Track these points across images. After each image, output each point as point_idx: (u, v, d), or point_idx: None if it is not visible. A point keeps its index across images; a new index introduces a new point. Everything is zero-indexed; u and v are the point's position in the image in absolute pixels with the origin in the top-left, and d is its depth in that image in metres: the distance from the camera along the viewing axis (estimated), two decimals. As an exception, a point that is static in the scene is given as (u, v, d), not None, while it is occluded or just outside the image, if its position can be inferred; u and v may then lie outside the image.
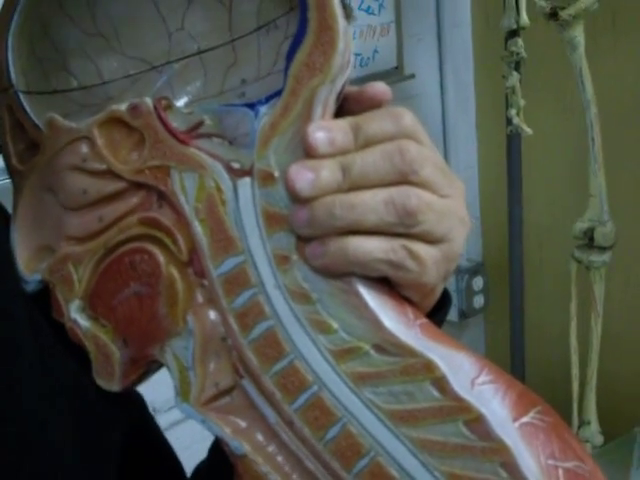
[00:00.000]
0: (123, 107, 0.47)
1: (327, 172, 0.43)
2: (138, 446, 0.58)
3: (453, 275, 2.03)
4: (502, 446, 0.42)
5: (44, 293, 0.50)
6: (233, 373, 0.46)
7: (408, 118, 0.45)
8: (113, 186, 0.47)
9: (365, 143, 0.44)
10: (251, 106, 0.45)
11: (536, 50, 1.78)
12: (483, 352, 2.30)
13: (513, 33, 1.69)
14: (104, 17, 0.50)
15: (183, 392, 0.46)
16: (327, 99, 0.44)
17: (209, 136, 0.46)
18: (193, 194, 0.46)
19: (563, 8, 1.59)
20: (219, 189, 0.45)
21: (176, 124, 0.46)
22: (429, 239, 0.44)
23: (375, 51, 1.86)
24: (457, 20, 2.06)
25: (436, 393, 0.43)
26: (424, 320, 0.45)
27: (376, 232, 0.43)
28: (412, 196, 0.43)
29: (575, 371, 1.80)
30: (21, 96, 0.49)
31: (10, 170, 0.50)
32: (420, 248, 0.43)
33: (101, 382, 0.48)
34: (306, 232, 0.44)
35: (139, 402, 0.61)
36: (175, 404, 0.46)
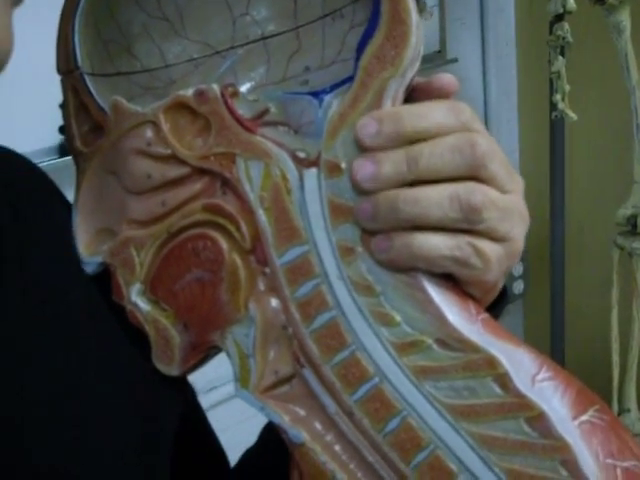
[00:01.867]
0: (189, 93, 0.47)
1: (390, 165, 0.43)
2: (187, 432, 0.58)
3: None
4: (563, 444, 0.42)
5: (103, 276, 0.50)
6: (293, 361, 0.46)
7: (469, 111, 0.44)
8: (177, 171, 0.47)
9: (427, 133, 0.43)
10: (315, 95, 0.45)
11: (581, 35, 1.76)
12: (522, 338, 2.30)
13: (559, 17, 1.68)
14: (169, 1, 0.50)
15: (242, 379, 0.46)
16: (397, 92, 0.44)
17: (274, 124, 0.46)
18: (258, 182, 0.46)
19: (610, -7, 1.57)
20: (285, 178, 0.45)
21: (242, 111, 0.46)
22: (493, 236, 0.44)
23: (418, 35, 1.85)
24: (501, 4, 2.05)
25: (498, 390, 0.43)
26: (485, 315, 0.45)
27: (440, 227, 0.43)
28: (477, 192, 0.43)
29: (615, 358, 1.79)
30: (86, 78, 0.49)
31: (73, 152, 0.51)
32: (485, 245, 0.43)
33: (160, 366, 0.48)
34: (370, 225, 0.44)
35: (191, 389, 0.62)
36: (234, 390, 0.46)
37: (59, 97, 0.50)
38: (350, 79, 0.45)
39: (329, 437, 0.46)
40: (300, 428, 0.45)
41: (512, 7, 2.08)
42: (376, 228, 0.44)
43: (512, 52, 2.11)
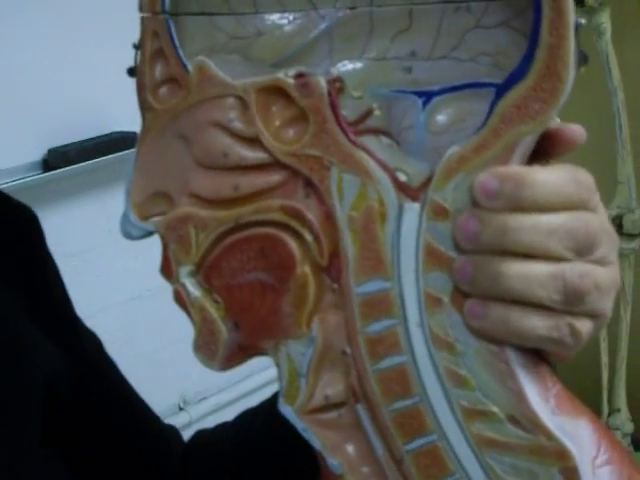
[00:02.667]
0: (291, 79, 0.42)
1: (495, 230, 0.40)
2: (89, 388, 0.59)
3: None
4: None
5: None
6: (348, 392, 0.43)
7: (590, 184, 0.41)
8: (258, 157, 0.43)
9: (545, 205, 0.40)
10: (420, 94, 0.42)
11: (562, 37, 1.77)
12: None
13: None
14: None
15: (290, 395, 0.44)
16: (530, 147, 0.40)
17: (376, 132, 0.42)
18: (351, 200, 0.42)
19: (589, -5, 1.58)
20: (382, 204, 0.42)
21: (345, 112, 0.42)
22: (590, 315, 0.42)
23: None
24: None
25: None
26: (559, 387, 0.43)
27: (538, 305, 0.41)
28: (585, 277, 0.40)
29: (605, 359, 1.79)
30: (171, 25, 0.44)
31: (142, 103, 0.46)
32: (582, 325, 0.41)
33: (200, 357, 0.45)
34: (466, 288, 0.41)
35: (96, 342, 0.62)
36: (278, 405, 0.44)
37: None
38: (464, 87, 0.41)
39: (367, 470, 0.44)
40: (340, 458, 0.44)
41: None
42: (471, 292, 0.41)
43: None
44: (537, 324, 0.40)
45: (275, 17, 0.45)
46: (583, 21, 0.40)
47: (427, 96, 0.42)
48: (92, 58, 1.44)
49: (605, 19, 1.62)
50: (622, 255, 1.72)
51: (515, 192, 0.39)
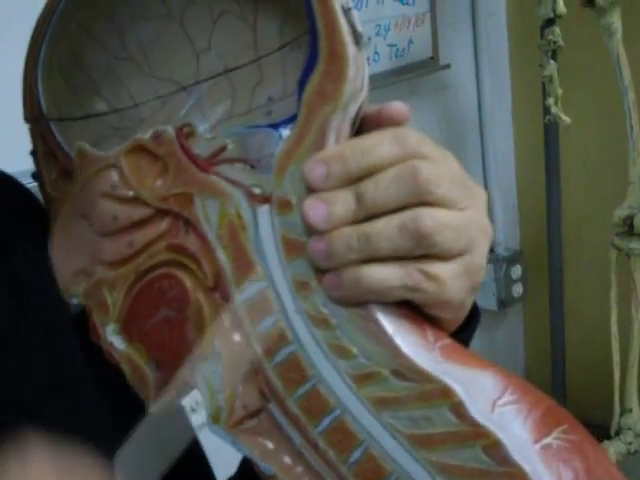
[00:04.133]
0: (147, 135, 0.48)
1: (340, 204, 0.43)
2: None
3: (491, 264, 2.03)
4: (520, 471, 0.42)
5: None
6: (260, 396, 0.46)
7: (414, 137, 0.44)
8: (141, 212, 0.48)
9: (373, 168, 0.43)
10: (275, 126, 0.46)
11: (572, 38, 1.77)
12: (522, 341, 2.30)
13: (550, 21, 1.68)
14: (133, 41, 0.51)
15: (214, 414, 0.47)
16: (340, 126, 0.44)
17: (231, 161, 0.47)
18: (215, 221, 0.47)
19: (600, -5, 1.58)
20: (239, 216, 0.46)
21: (199, 151, 0.47)
22: (448, 256, 0.43)
23: (410, 41, 1.86)
24: (492, 9, 2.05)
25: (454, 418, 0.43)
26: (446, 341, 0.45)
27: (397, 257, 0.43)
28: (425, 218, 0.42)
29: (616, 359, 1.79)
30: (52, 126, 0.50)
31: (45, 198, 0.52)
32: (437, 268, 0.43)
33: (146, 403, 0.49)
34: (325, 264, 0.44)
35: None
36: (207, 426, 0.47)
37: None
38: None
39: (299, 469, 0.46)
40: (270, 461, 0.46)
41: (503, 11, 2.09)
42: (331, 266, 0.44)
43: (505, 56, 2.12)
44: (387, 276, 0.43)
45: (151, 104, 0.51)
46: (350, 5, 0.44)
47: (280, 127, 0.46)
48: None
49: (616, 19, 1.62)
50: (634, 255, 1.71)
51: (342, 168, 0.43)
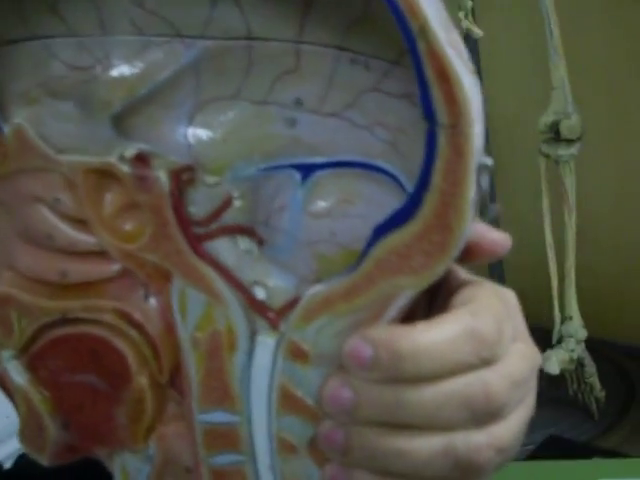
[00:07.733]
0: (127, 166, 0.34)
1: (373, 403, 0.33)
2: None
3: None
4: None
5: None
6: None
7: (491, 330, 0.33)
8: (90, 241, 0.36)
9: (432, 376, 0.32)
10: (299, 167, 0.34)
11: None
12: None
13: None
14: None
15: None
16: (409, 303, 0.33)
17: (234, 231, 0.35)
18: (195, 320, 0.36)
19: None
20: (231, 331, 0.35)
21: (194, 208, 0.35)
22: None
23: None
24: None
25: None
26: None
27: None
28: (483, 450, 0.33)
29: (553, 268, 1.78)
30: None
31: None
32: None
33: (27, 448, 0.39)
34: (336, 459, 0.35)
35: None
36: None
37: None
38: (354, 164, 0.34)
39: None
40: None
41: None
42: (340, 462, 0.35)
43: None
44: None
45: (130, 43, 0.35)
46: (489, 162, 0.31)
47: (307, 170, 0.34)
48: None
49: None
50: (562, 162, 1.70)
51: (393, 363, 0.32)
